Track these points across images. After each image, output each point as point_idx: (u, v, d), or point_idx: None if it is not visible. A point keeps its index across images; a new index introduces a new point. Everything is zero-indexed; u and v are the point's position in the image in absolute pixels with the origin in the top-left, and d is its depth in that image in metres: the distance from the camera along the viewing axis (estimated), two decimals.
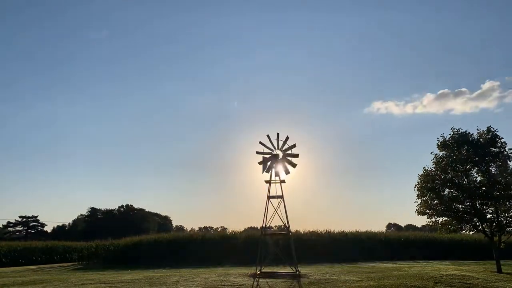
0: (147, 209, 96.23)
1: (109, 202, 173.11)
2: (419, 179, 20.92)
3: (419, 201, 20.79)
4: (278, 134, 18.17)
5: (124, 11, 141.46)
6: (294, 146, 18.09)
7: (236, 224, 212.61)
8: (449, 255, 32.83)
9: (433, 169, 20.77)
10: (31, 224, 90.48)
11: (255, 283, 14.58)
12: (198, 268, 23.75)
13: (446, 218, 20.49)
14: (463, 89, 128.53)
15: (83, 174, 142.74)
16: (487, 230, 19.97)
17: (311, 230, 36.07)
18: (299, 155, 18.24)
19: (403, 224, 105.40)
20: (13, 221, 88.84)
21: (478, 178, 20.24)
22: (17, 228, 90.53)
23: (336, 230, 36.49)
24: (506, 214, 19.65)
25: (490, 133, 19.99)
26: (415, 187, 21.01)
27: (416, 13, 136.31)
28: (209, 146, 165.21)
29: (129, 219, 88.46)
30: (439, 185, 20.25)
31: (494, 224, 19.71)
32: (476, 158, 19.75)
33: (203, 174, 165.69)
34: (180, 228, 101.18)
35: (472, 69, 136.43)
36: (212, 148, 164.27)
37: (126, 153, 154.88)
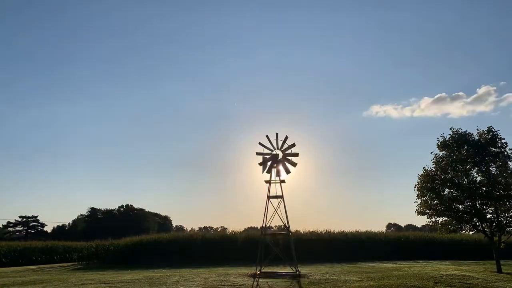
0: (147, 209, 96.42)
1: (109, 202, 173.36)
2: (419, 179, 20.91)
3: (419, 201, 20.80)
4: (277, 134, 18.18)
5: (124, 11, 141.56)
6: (293, 145, 18.08)
7: (236, 224, 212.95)
8: (449, 255, 32.82)
9: (433, 169, 20.77)
10: (31, 224, 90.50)
11: (255, 283, 14.58)
12: (198, 268, 23.74)
13: (446, 218, 20.49)
14: (460, 93, 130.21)
15: (83, 174, 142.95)
16: (487, 230, 19.97)
17: (311, 230, 36.15)
18: (299, 155, 18.26)
19: (403, 224, 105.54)
20: (13, 221, 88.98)
21: (478, 178, 20.25)
22: (17, 228, 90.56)
23: (336, 230, 36.56)
24: (506, 214, 19.66)
25: (491, 133, 19.99)
26: (415, 187, 21.03)
27: (414, 18, 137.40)
28: (209, 146, 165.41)
29: (129, 219, 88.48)
30: (439, 185, 20.25)
31: (494, 224, 19.71)
32: (476, 158, 19.75)
33: (203, 174, 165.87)
34: (180, 228, 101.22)
35: (468, 74, 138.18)
36: (212, 148, 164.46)
37: (126, 153, 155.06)
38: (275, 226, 25.01)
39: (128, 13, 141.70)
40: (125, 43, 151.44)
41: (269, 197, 17.89)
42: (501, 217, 19.71)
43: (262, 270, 17.39)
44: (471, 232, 24.85)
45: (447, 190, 20.28)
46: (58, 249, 41.67)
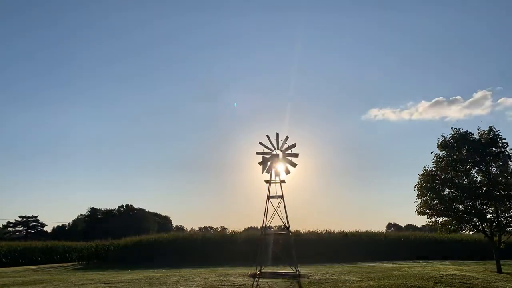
0: (147, 209, 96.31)
1: (109, 202, 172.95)
2: (419, 179, 20.91)
3: (419, 201, 20.80)
4: (277, 134, 18.19)
5: (124, 11, 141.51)
6: (294, 145, 18.09)
7: (236, 224, 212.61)
8: (449, 255, 32.84)
9: (433, 169, 20.77)
10: (31, 224, 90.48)
11: (255, 283, 14.58)
12: (198, 268, 23.74)
13: (446, 218, 20.48)
14: (458, 97, 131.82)
15: (83, 174, 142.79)
16: (487, 230, 19.96)
17: (311, 230, 36.18)
18: (299, 155, 18.26)
19: (403, 224, 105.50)
20: (13, 221, 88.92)
21: (479, 178, 20.25)
22: (17, 228, 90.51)
23: (336, 230, 36.60)
24: (506, 214, 19.66)
25: (492, 133, 19.99)
26: (415, 187, 21.02)
27: (412, 23, 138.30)
28: (209, 146, 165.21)
29: (129, 219, 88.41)
30: (439, 185, 20.25)
31: (494, 224, 19.71)
32: (477, 158, 19.75)
33: (203, 174, 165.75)
34: (180, 228, 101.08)
35: (465, 79, 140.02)
36: (212, 148, 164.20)
37: (126, 153, 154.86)
38: (275, 226, 25.03)
39: (128, 13, 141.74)
40: (125, 43, 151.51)
41: (269, 197, 17.89)
42: (501, 217, 19.71)
43: (262, 270, 17.38)
44: (471, 232, 24.87)
45: (447, 190, 20.28)
46: (58, 249, 41.69)
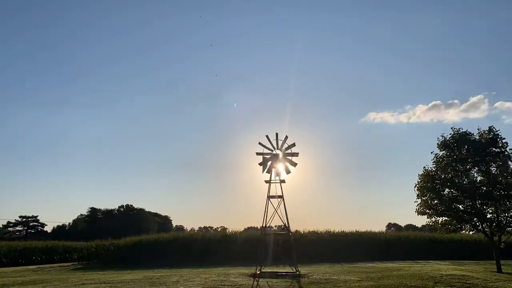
0: (147, 209, 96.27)
1: (109, 202, 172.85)
2: (419, 179, 20.90)
3: (419, 201, 20.79)
4: (277, 134, 18.19)
5: (124, 12, 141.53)
6: (293, 145, 18.09)
7: (236, 224, 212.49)
8: (449, 255, 32.85)
9: (433, 169, 20.77)
10: (31, 224, 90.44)
11: (255, 283, 14.58)
12: (198, 268, 23.74)
13: (446, 218, 20.48)
14: (455, 101, 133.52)
15: (83, 174, 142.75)
16: (487, 230, 19.96)
17: (311, 230, 36.18)
18: (299, 155, 18.26)
19: (403, 224, 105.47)
20: (13, 221, 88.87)
21: (478, 178, 20.25)
22: (17, 228, 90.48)
23: (336, 230, 36.61)
24: (506, 214, 19.66)
25: (492, 133, 19.98)
26: (415, 187, 21.01)
27: (409, 28, 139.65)
28: (209, 146, 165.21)
29: (129, 219, 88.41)
30: (439, 185, 20.25)
31: (494, 224, 19.70)
32: (477, 158, 19.75)
33: (203, 174, 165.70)
34: (180, 228, 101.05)
35: (462, 83, 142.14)
36: (212, 148, 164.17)
37: (126, 153, 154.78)
38: (275, 226, 24.99)
39: (128, 13, 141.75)
40: (125, 43, 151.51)
41: (269, 197, 17.89)
42: (501, 217, 19.70)
43: (262, 270, 17.39)
44: (471, 232, 24.88)
45: (447, 190, 20.27)
46: (58, 249, 41.69)
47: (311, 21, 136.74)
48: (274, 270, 18.65)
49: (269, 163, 18.13)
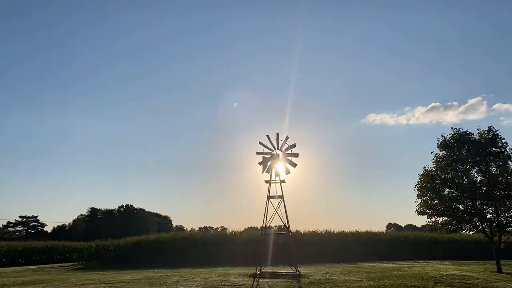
0: (147, 209, 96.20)
1: (109, 202, 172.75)
2: (419, 179, 20.91)
3: (419, 201, 20.79)
4: (277, 134, 18.20)
5: (124, 12, 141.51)
6: (294, 145, 18.09)
7: (236, 224, 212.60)
8: (449, 255, 32.85)
9: (433, 169, 20.77)
10: (31, 224, 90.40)
11: (255, 283, 14.58)
12: (198, 268, 23.74)
13: (446, 218, 20.48)
14: (454, 103, 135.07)
15: (83, 174, 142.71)
16: (487, 230, 19.96)
17: (311, 230, 36.16)
18: (299, 155, 18.25)
19: (403, 224, 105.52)
20: (13, 221, 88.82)
21: (478, 178, 20.24)
22: (17, 228, 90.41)
23: (336, 230, 36.59)
24: (506, 214, 19.65)
25: (491, 133, 19.98)
26: (415, 187, 21.02)
27: (408, 33, 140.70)
28: (209, 146, 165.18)
29: (129, 219, 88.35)
30: (439, 185, 20.25)
31: (494, 224, 19.70)
32: (477, 158, 19.75)
33: (203, 174, 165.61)
34: (180, 228, 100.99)
35: (460, 86, 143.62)
36: (212, 148, 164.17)
37: (126, 153, 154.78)
38: (275, 226, 24.99)
39: (128, 14, 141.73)
40: (125, 43, 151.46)
41: (269, 197, 17.88)
42: (501, 217, 19.70)
43: (262, 270, 17.39)
44: (471, 232, 24.86)
45: (447, 190, 20.27)
46: (58, 249, 41.68)
47: (311, 22, 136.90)
48: (274, 270, 18.65)
49: (269, 163, 18.13)
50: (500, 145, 19.80)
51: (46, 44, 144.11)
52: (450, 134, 20.74)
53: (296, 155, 18.16)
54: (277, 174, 18.10)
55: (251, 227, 58.65)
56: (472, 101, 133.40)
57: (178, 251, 32.15)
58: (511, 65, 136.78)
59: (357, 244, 33.58)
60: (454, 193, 20.06)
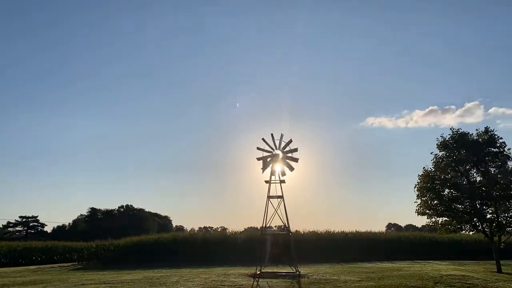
0: (147, 209, 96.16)
1: (109, 202, 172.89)
2: (419, 179, 20.91)
3: (419, 201, 20.80)
4: (278, 134, 18.19)
5: (125, 12, 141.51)
6: (291, 142, 18.02)
7: (236, 224, 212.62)
8: (449, 255, 32.83)
9: (433, 170, 20.77)
10: (31, 224, 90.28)
11: (255, 283, 14.58)
12: (198, 268, 23.74)
13: (446, 218, 20.50)
14: (452, 107, 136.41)
15: (83, 174, 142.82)
16: (487, 230, 19.97)
17: (311, 230, 36.18)
18: (299, 154, 18.26)
19: (403, 224, 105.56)
20: (13, 221, 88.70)
21: (478, 178, 20.25)
22: (17, 228, 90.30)
23: (336, 230, 36.61)
24: (506, 214, 19.67)
25: (488, 134, 19.99)
26: (415, 187, 21.03)
27: (406, 38, 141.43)
28: (209, 146, 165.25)
29: (129, 219, 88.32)
30: (439, 185, 20.26)
31: (494, 224, 19.71)
32: (476, 159, 19.75)
33: (203, 174, 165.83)
34: (180, 228, 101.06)
35: (457, 90, 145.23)
36: (212, 148, 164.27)
37: (126, 153, 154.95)
38: (275, 226, 24.98)
39: (128, 15, 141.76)
40: (125, 44, 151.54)
41: (269, 197, 17.89)
42: (501, 217, 19.71)
43: (262, 270, 17.38)
44: (471, 232, 24.87)
45: (447, 190, 20.29)
46: (58, 249, 41.66)
47: (311, 24, 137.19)
48: (274, 270, 18.65)
49: (269, 163, 18.13)
50: (498, 145, 19.82)
51: (46, 44, 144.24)
52: (449, 134, 20.77)
53: (295, 150, 18.11)
54: (273, 173, 18.07)
55: (251, 227, 58.81)
56: (469, 105, 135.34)
57: (178, 251, 32.15)
58: (507, 70, 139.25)
59: (357, 244, 33.57)
60: (454, 193, 20.08)
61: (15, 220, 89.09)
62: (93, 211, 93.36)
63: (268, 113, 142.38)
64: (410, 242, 35.23)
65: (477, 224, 19.91)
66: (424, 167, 21.09)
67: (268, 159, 18.16)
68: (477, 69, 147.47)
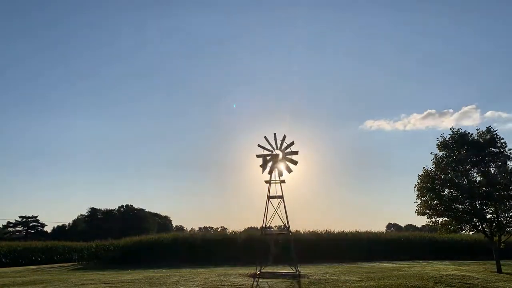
0: (147, 209, 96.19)
1: (109, 202, 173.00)
2: (419, 179, 20.89)
3: (419, 201, 20.78)
4: (278, 134, 18.18)
5: (125, 12, 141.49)
6: (293, 144, 18.04)
7: (236, 224, 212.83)
8: (449, 255, 32.83)
9: (433, 169, 20.75)
10: (31, 224, 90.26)
11: (255, 283, 14.57)
12: (198, 268, 23.74)
13: (446, 218, 20.48)
14: (450, 110, 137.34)
15: (83, 174, 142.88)
16: (487, 230, 19.95)
17: (311, 230, 36.18)
18: (300, 155, 18.23)
19: (403, 224, 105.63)
20: (13, 221, 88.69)
21: (478, 178, 20.23)
22: (17, 228, 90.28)
23: (336, 230, 36.62)
24: (506, 214, 19.65)
25: (490, 134, 19.96)
26: (415, 187, 21.01)
27: (402, 43, 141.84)
28: (209, 146, 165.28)
29: (129, 219, 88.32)
30: (439, 185, 20.24)
31: (494, 224, 19.70)
32: (476, 158, 19.74)
33: (203, 174, 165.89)
34: (180, 228, 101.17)
35: (454, 94, 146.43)
36: (212, 148, 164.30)
37: (126, 153, 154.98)
38: (275, 226, 24.97)
39: (128, 15, 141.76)
40: (125, 44, 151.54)
41: (269, 197, 17.88)
42: (501, 217, 19.70)
43: (262, 270, 17.38)
44: (471, 232, 24.86)
45: (447, 190, 20.27)
46: (58, 249, 41.68)
47: (311, 20, 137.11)
48: (274, 270, 18.63)
49: (269, 163, 18.12)
50: (499, 145, 19.79)
51: (46, 44, 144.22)
52: (450, 134, 20.74)
53: (296, 153, 18.10)
54: (280, 174, 18.06)
55: (251, 227, 58.72)
56: (466, 108, 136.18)
57: (178, 251, 32.15)
58: (504, 74, 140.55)
59: (357, 244, 33.57)
60: (454, 193, 20.06)
61: (15, 220, 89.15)
62: (93, 211, 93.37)
63: (268, 113, 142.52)
64: (410, 242, 35.22)
65: (477, 224, 19.90)
66: (424, 167, 21.09)
67: (268, 158, 18.16)
68: (474, 73, 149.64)
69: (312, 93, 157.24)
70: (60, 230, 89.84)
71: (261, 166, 18.25)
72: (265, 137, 18.15)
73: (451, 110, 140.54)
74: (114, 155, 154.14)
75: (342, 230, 36.52)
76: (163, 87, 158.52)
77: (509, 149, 19.70)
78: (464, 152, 19.98)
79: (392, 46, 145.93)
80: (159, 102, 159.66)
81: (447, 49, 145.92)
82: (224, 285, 13.93)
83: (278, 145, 18.11)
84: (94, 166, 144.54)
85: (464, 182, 20.03)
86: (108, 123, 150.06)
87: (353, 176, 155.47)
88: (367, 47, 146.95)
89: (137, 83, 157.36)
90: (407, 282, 14.28)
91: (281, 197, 17.80)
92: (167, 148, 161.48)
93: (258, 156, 18.28)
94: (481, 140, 20.01)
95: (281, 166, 18.14)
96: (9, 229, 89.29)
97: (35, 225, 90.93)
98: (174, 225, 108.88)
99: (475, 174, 20.34)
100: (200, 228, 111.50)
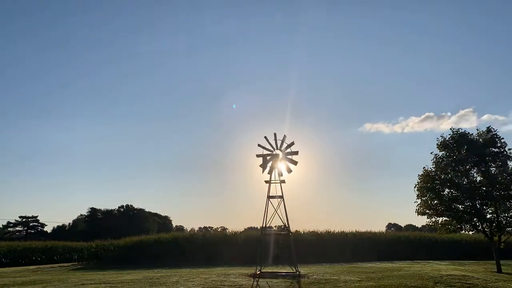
0: (147, 209, 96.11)
1: (109, 202, 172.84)
2: (419, 179, 20.88)
3: (419, 201, 20.78)
4: (278, 134, 18.18)
5: (125, 12, 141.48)
6: (293, 144, 18.04)
7: (236, 224, 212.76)
8: (449, 255, 32.83)
9: (433, 169, 20.74)
10: (31, 224, 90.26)
11: (255, 283, 14.57)
12: (198, 268, 23.74)
13: (446, 218, 20.48)
14: (448, 113, 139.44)
15: (83, 174, 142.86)
16: (487, 230, 19.95)
17: (311, 230, 36.13)
18: (300, 155, 18.23)
19: (403, 224, 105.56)
20: (13, 221, 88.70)
21: (478, 178, 20.23)
22: (17, 228, 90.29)
23: (336, 230, 36.58)
24: (506, 214, 19.65)
25: (490, 133, 19.96)
26: (415, 187, 21.00)
27: (404, 46, 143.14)
28: (209, 146, 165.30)
29: (129, 219, 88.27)
30: (439, 185, 20.23)
31: (494, 224, 19.69)
32: (476, 158, 19.73)
33: (203, 174, 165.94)
34: (180, 228, 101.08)
35: (452, 98, 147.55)
36: (212, 148, 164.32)
37: (126, 153, 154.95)
38: (275, 226, 24.96)
39: (128, 15, 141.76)
40: (125, 44, 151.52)
41: (269, 197, 17.87)
42: (501, 217, 19.69)
43: (262, 270, 17.38)
44: (471, 232, 24.86)
45: (447, 190, 20.26)
46: (58, 249, 41.67)
47: (311, 24, 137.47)
48: (274, 270, 18.63)
49: (269, 163, 18.11)
50: (499, 145, 19.78)
51: (46, 44, 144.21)
52: (450, 134, 20.73)
53: (296, 153, 18.09)
54: (280, 174, 18.05)
55: (251, 227, 58.77)
56: (463, 111, 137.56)
57: (178, 251, 32.15)
58: (500, 78, 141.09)
59: (357, 244, 33.57)
60: (454, 193, 20.05)
61: (15, 220, 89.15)
62: (93, 211, 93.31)
63: (268, 113, 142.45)
64: (410, 242, 35.22)
65: (477, 224, 19.89)
66: (424, 167, 21.09)
67: (268, 158, 18.16)
68: (471, 76, 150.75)
69: (312, 91, 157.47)
70: (60, 230, 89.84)
71: (261, 166, 18.25)
72: (265, 137, 18.16)
73: (448, 113, 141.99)
74: (114, 155, 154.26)
75: (342, 230, 36.55)
76: (163, 87, 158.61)
77: (509, 149, 19.71)
78: (464, 152, 19.97)
79: (394, 43, 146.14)
80: (159, 102, 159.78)
81: (445, 51, 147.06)
82: (224, 285, 13.93)
83: (278, 145, 18.10)
84: (94, 166, 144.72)
85: (464, 182, 20.02)
86: (108, 123, 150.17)
87: (353, 176, 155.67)
88: (365, 50, 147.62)
89: (137, 83, 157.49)
90: (407, 282, 14.28)
91: (281, 197, 17.79)
92: (167, 148, 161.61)
93: (258, 156, 18.28)
94: (481, 140, 20.00)
95: (281, 166, 18.14)
96: (9, 229, 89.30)
97: (35, 225, 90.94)
98: (174, 225, 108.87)
99: (475, 174, 20.34)
100: (200, 228, 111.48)
